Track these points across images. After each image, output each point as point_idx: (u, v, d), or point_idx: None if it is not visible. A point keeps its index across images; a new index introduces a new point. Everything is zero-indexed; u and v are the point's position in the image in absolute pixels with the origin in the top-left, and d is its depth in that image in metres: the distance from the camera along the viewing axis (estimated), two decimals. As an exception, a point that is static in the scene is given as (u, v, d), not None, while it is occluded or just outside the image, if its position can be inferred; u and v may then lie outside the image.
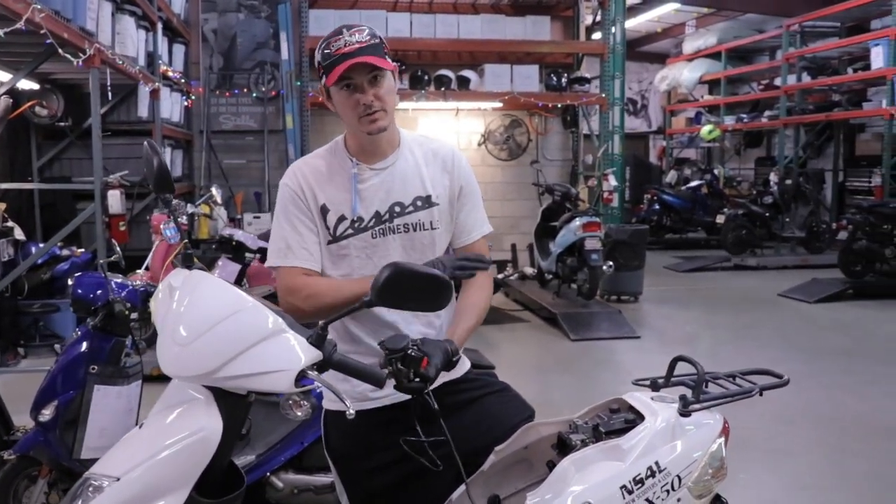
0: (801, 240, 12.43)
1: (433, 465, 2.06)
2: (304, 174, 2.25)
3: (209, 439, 1.70)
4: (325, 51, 2.14)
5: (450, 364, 2.01)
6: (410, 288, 1.73)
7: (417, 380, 1.90)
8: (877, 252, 9.61)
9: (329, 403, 2.31)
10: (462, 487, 2.15)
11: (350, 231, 2.22)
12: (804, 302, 9.21)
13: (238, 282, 6.18)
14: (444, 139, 2.45)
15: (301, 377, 1.70)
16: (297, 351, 1.72)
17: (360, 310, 1.77)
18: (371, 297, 1.72)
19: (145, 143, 2.15)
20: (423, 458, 2.04)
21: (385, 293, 1.71)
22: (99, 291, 3.44)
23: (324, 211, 2.23)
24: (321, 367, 1.76)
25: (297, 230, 2.22)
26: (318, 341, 1.74)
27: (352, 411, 1.71)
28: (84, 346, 3.40)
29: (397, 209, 2.25)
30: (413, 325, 2.24)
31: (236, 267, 6.17)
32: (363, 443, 2.24)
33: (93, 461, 1.87)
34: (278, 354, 1.71)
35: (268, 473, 3.51)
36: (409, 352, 1.88)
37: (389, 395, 2.17)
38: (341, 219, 2.22)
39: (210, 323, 1.72)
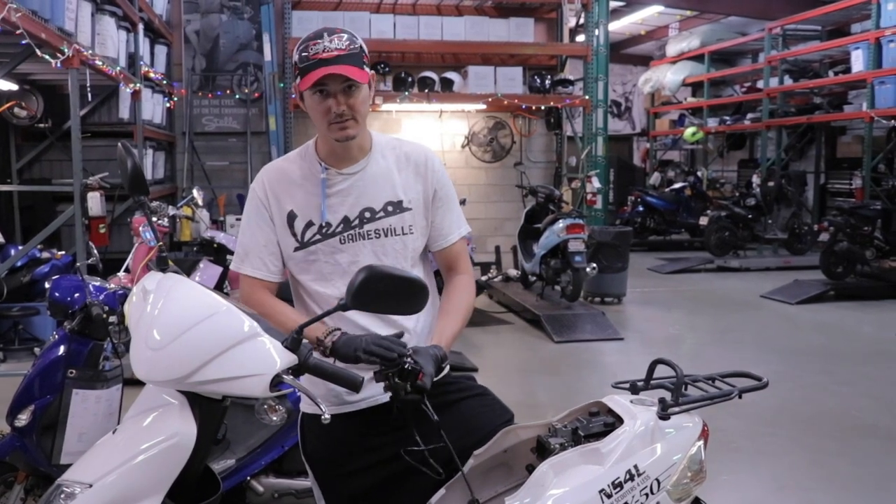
0: (784, 241, 12.50)
1: (435, 475, 2.02)
2: (271, 181, 2.24)
3: (183, 445, 1.68)
4: (303, 53, 2.10)
5: (439, 371, 2.02)
6: (385, 291, 1.72)
7: (412, 391, 1.88)
8: (858, 253, 9.68)
9: (306, 407, 2.30)
10: (441, 491, 2.14)
11: (318, 237, 2.21)
12: (786, 303, 9.26)
13: (219, 284, 6.14)
14: (418, 141, 2.42)
15: (276, 381, 1.69)
16: (273, 355, 1.71)
17: (334, 312, 1.75)
18: (346, 300, 1.71)
19: (119, 144, 2.12)
20: (426, 468, 1.99)
21: (360, 296, 1.69)
22: (76, 294, 3.39)
23: (291, 217, 2.21)
24: (297, 371, 1.74)
25: (256, 238, 2.24)
26: (293, 345, 1.73)
27: (327, 416, 1.70)
28: (61, 349, 3.36)
29: (367, 215, 2.23)
30: (387, 329, 2.17)
31: (217, 269, 6.13)
32: (340, 447, 2.23)
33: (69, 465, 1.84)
34: (253, 358, 1.69)
35: (248, 478, 3.48)
36: (406, 366, 1.87)
37: (366, 398, 2.18)
38: (309, 224, 2.20)
39: (184, 327, 1.70)
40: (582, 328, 7.90)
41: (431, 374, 1.92)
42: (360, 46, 2.13)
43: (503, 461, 2.14)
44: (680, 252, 13.78)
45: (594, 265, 8.24)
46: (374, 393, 2.17)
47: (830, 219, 10.15)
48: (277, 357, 1.71)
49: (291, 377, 1.71)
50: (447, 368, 2.30)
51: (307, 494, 3.50)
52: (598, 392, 6.35)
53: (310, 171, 2.24)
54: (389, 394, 1.93)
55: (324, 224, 2.20)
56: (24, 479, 3.47)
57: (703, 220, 12.31)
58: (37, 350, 6.09)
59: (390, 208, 2.24)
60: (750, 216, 12.26)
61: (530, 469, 2.13)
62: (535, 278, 8.97)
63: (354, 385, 1.76)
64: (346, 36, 2.11)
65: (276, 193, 2.21)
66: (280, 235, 2.23)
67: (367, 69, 2.14)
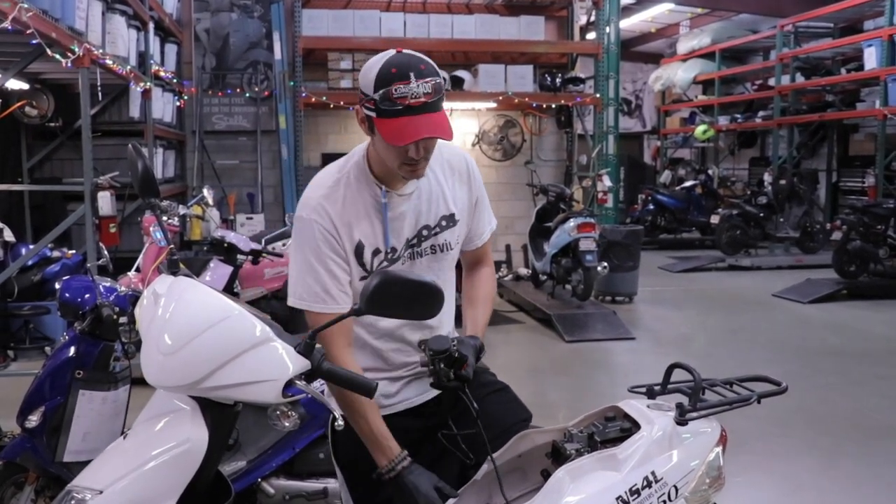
0: (796, 240, 12.42)
1: (466, 458, 2.11)
2: (336, 211, 2.07)
3: (195, 451, 1.66)
4: (384, 89, 1.91)
5: (477, 360, 2.10)
6: (400, 296, 1.69)
7: (455, 379, 2.00)
8: (870, 252, 9.60)
9: (337, 408, 2.24)
10: (456, 497, 2.11)
11: (385, 263, 2.14)
12: (798, 302, 9.19)
13: (230, 284, 6.12)
14: (450, 143, 2.29)
15: (289, 387, 1.66)
16: (285, 360, 1.68)
17: (348, 317, 1.73)
18: (360, 305, 1.68)
19: (129, 146, 2.09)
20: (458, 451, 2.08)
21: (374, 301, 1.67)
22: (87, 296, 3.38)
23: (360, 248, 2.10)
24: (309, 376, 1.72)
25: (333, 273, 2.07)
26: (306, 350, 1.70)
27: (340, 422, 1.68)
28: (71, 351, 3.35)
29: (425, 232, 2.19)
30: (415, 330, 2.20)
31: (228, 269, 6.10)
32: None
33: (76, 464, 1.83)
34: (265, 364, 1.67)
35: (259, 479, 3.46)
36: (453, 353, 1.96)
37: (402, 401, 2.21)
38: (376, 252, 2.12)
39: (195, 331, 1.68)
40: (593, 327, 7.87)
41: (473, 364, 2.03)
42: (443, 82, 2.01)
43: (518, 466, 2.12)
44: (691, 251, 13.72)
45: (605, 264, 8.19)
46: (409, 396, 2.24)
47: (843, 217, 10.07)
48: (290, 362, 1.68)
49: (304, 382, 1.69)
50: (483, 357, 2.29)
51: (319, 497, 3.48)
52: (610, 392, 6.37)
53: (369, 196, 2.11)
54: (424, 394, 2.06)
55: (388, 250, 2.13)
56: (34, 480, 3.46)
57: (715, 219, 12.25)
58: (47, 349, 6.10)
59: (444, 223, 2.21)
60: (761, 214, 12.18)
61: (545, 474, 2.10)
62: (545, 277, 8.93)
63: (368, 390, 1.74)
64: (431, 80, 1.94)
65: (343, 223, 2.07)
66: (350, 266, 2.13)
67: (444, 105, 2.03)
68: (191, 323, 1.70)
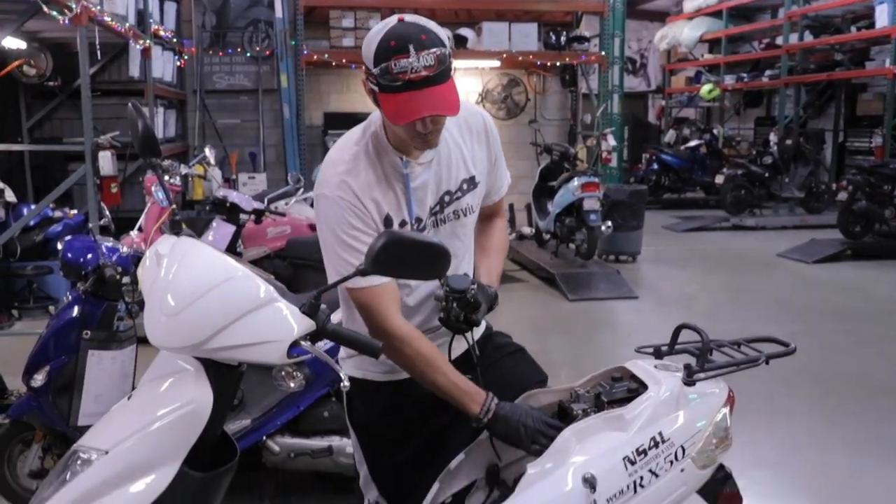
0: (800, 200, 12.36)
1: None
2: (360, 186, 1.98)
3: (199, 412, 1.65)
4: (383, 63, 1.83)
5: (490, 309, 2.09)
6: (407, 256, 1.66)
7: (463, 323, 2.00)
8: (876, 213, 9.55)
9: (353, 371, 2.22)
10: (461, 456, 2.12)
11: None
12: (802, 262, 9.17)
13: (233, 243, 6.09)
14: (466, 102, 2.18)
15: (294, 348, 1.65)
16: (290, 321, 1.66)
17: (353, 277, 1.71)
18: (365, 265, 1.66)
19: (129, 105, 2.05)
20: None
21: (380, 261, 1.64)
22: (89, 256, 3.37)
23: (388, 221, 2.03)
24: (315, 337, 1.70)
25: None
26: (311, 311, 1.68)
27: (346, 383, 1.67)
28: (75, 310, 3.35)
29: (447, 198, 2.14)
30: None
31: (231, 228, 6.06)
32: (389, 413, 2.20)
33: (88, 428, 1.82)
34: (270, 324, 1.65)
35: (264, 438, 3.48)
36: (469, 296, 1.96)
37: None
38: (402, 224, 2.06)
39: (199, 292, 1.66)
40: (596, 286, 7.88)
41: (485, 311, 2.04)
42: (448, 52, 1.90)
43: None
44: (695, 210, 13.66)
45: (609, 223, 8.17)
46: None
47: (849, 178, 10.00)
48: (295, 323, 1.66)
49: (309, 343, 1.67)
50: (484, 323, 2.28)
51: (323, 454, 3.50)
52: (613, 351, 6.38)
53: (390, 167, 2.03)
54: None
55: (414, 221, 2.08)
56: (41, 438, 3.49)
57: (719, 179, 12.19)
58: (51, 309, 6.10)
59: (465, 186, 2.16)
60: (766, 175, 12.11)
61: (551, 434, 2.10)
62: (549, 236, 8.93)
63: (374, 351, 1.72)
64: (434, 51, 1.83)
65: (369, 198, 2.00)
66: None
67: (452, 74, 1.93)
68: (194, 284, 1.68)
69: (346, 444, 3.47)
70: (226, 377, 1.72)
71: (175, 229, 1.94)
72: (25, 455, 3.50)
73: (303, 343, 1.66)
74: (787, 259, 9.40)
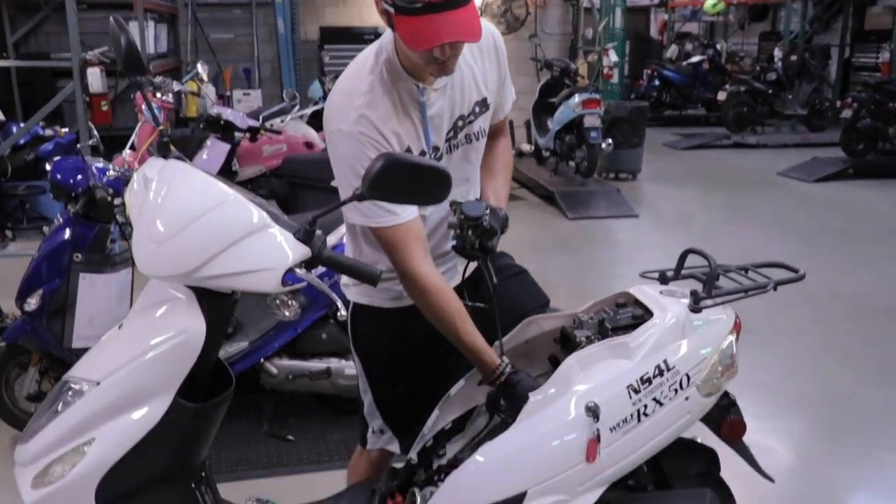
0: (803, 118, 12.17)
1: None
2: (378, 119, 1.85)
3: (192, 342, 1.60)
4: None
5: (502, 233, 2.02)
6: (406, 180, 1.58)
7: (479, 250, 1.94)
8: (881, 131, 9.41)
9: (357, 297, 2.17)
10: (461, 383, 2.09)
11: None
12: (803, 181, 9.09)
13: (228, 162, 5.99)
14: None
15: (288, 275, 1.59)
16: (284, 248, 1.60)
17: (349, 202, 1.63)
18: (362, 189, 1.58)
19: (111, 19, 1.94)
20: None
21: (378, 185, 1.56)
22: (79, 177, 3.28)
23: (408, 154, 1.92)
24: (310, 264, 1.64)
25: None
26: (306, 237, 1.62)
27: (343, 313, 1.61)
28: (67, 233, 3.28)
29: (460, 123, 2.03)
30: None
31: (225, 147, 5.95)
32: (395, 340, 2.16)
33: (84, 350, 1.77)
34: (264, 252, 1.59)
35: (261, 360, 3.47)
36: (484, 223, 1.89)
37: None
38: (421, 154, 1.96)
39: (189, 218, 1.59)
40: (596, 205, 7.84)
41: (499, 237, 1.97)
42: None
43: (524, 352, 2.07)
44: (696, 127, 13.48)
45: (609, 141, 8.05)
46: None
47: (854, 94, 9.81)
48: (289, 250, 1.60)
49: (304, 271, 1.61)
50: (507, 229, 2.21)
51: (322, 376, 3.50)
52: (612, 271, 6.35)
53: (406, 95, 1.91)
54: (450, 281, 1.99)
55: (431, 150, 1.98)
56: (38, 361, 3.47)
57: (721, 95, 11.97)
58: (45, 229, 6.04)
59: (478, 109, 2.06)
60: (770, 91, 11.88)
61: (553, 360, 2.07)
62: (548, 154, 8.84)
63: (372, 278, 1.66)
64: None
65: (390, 131, 1.87)
66: None
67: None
68: (183, 209, 1.61)
69: (345, 366, 3.46)
70: (219, 306, 1.67)
71: (163, 151, 1.86)
72: (22, 378, 3.49)
73: (297, 270, 1.60)
74: (787, 178, 9.31)
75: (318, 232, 1.65)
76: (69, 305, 3.23)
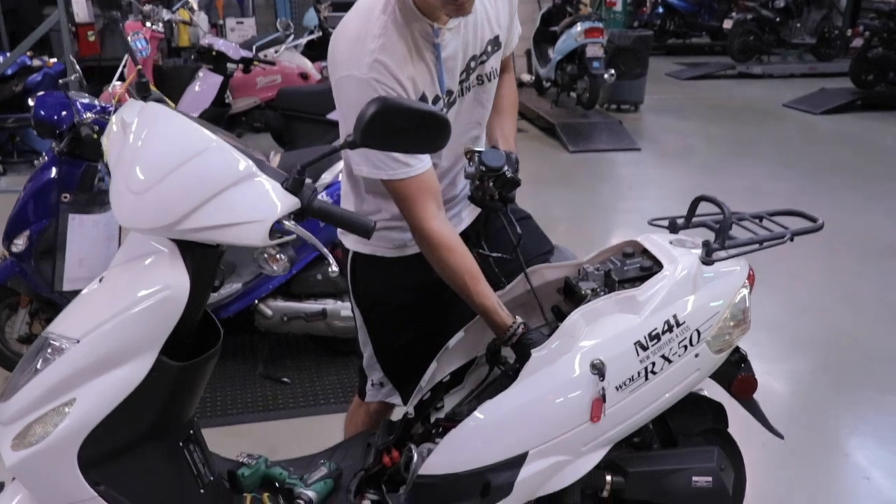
0: (811, 47, 11.88)
1: (497, 283, 1.97)
2: (394, 64, 1.72)
3: (175, 297, 1.51)
4: None
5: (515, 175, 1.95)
6: (402, 127, 1.47)
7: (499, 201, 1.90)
8: (893, 60, 9.16)
9: (357, 246, 2.07)
10: (460, 334, 2.01)
11: (445, 109, 1.87)
12: (809, 113, 8.90)
13: (220, 94, 5.84)
14: None
15: (277, 227, 1.49)
16: (272, 198, 1.50)
17: (340, 150, 1.51)
18: (354, 136, 1.47)
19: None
20: (489, 275, 1.90)
21: (371, 132, 1.45)
22: (63, 113, 3.15)
23: (423, 100, 1.79)
24: (299, 215, 1.54)
25: None
26: (294, 187, 1.51)
27: (335, 268, 1.52)
28: (53, 171, 3.17)
29: (472, 64, 1.91)
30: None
31: (218, 79, 5.79)
32: (398, 292, 2.07)
33: (75, 293, 1.69)
34: (250, 203, 1.49)
35: (256, 301, 3.41)
36: (506, 173, 1.84)
37: None
38: (436, 100, 1.84)
39: (169, 167, 1.48)
40: (598, 137, 7.71)
41: (518, 186, 1.91)
42: None
43: (526, 302, 1.98)
44: (700, 57, 13.17)
45: (612, 71, 7.87)
46: None
47: (866, 22, 9.54)
48: (277, 200, 1.50)
49: (293, 223, 1.51)
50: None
51: (317, 317, 3.44)
52: (614, 206, 6.23)
53: (420, 37, 1.77)
54: (458, 226, 1.96)
55: (445, 94, 1.85)
56: (27, 303, 3.40)
57: (727, 23, 11.66)
58: (37, 163, 5.91)
59: (490, 48, 1.93)
60: (777, 19, 11.57)
61: (556, 311, 1.98)
62: (549, 84, 8.66)
63: (366, 231, 1.56)
64: None
65: (406, 77, 1.75)
66: None
67: None
68: (164, 157, 1.50)
69: (341, 308, 3.40)
70: (203, 258, 1.57)
71: (142, 93, 1.73)
72: (13, 320, 3.42)
73: (286, 223, 1.50)
74: (793, 109, 9.12)
75: (308, 181, 1.54)
76: (58, 247, 3.14)
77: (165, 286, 1.51)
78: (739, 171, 6.64)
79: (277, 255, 1.57)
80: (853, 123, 8.51)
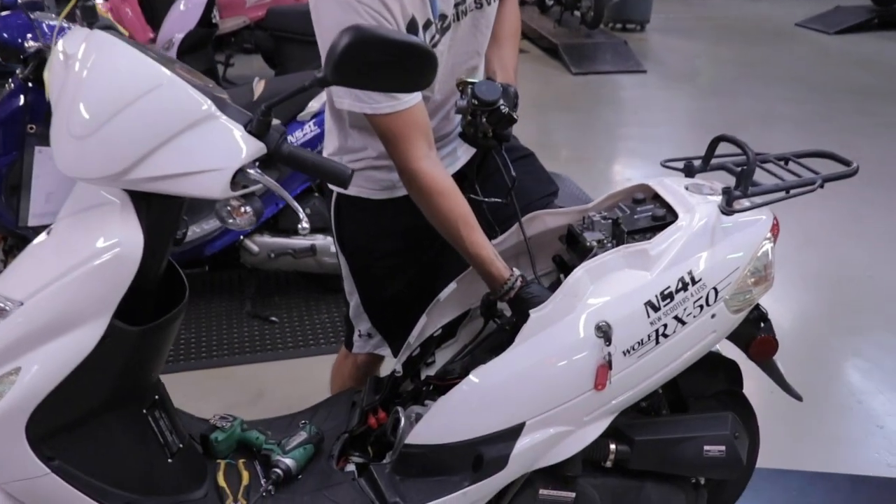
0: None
1: (491, 230, 1.81)
2: None
3: (128, 255, 1.34)
4: None
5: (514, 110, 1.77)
6: (380, 62, 1.27)
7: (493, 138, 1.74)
8: (913, -25, 8.80)
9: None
10: (452, 286, 1.84)
11: (438, 36, 1.67)
12: (823, 33, 8.59)
13: (207, 13, 5.54)
14: None
15: (239, 176, 1.31)
16: (236, 142, 1.31)
17: (309, 88, 1.31)
18: (325, 72, 1.26)
19: None
20: (482, 221, 1.72)
21: (344, 67, 1.25)
22: (28, 35, 2.92)
23: (413, 25, 1.59)
24: (266, 162, 1.35)
25: None
26: (259, 129, 1.32)
27: (305, 224, 1.34)
28: (20, 100, 2.96)
29: None
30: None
31: (204, -5, 5.50)
32: (387, 237, 1.91)
33: (43, 228, 1.52)
34: (209, 148, 1.30)
35: (241, 237, 3.25)
36: (501, 109, 1.67)
37: None
38: (427, 25, 1.63)
39: (116, 106, 1.29)
40: (602, 59, 7.46)
41: (514, 123, 1.74)
42: None
43: (525, 250, 1.80)
44: (709, -28, 12.72)
45: (618, -11, 7.56)
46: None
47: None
48: (242, 144, 1.31)
49: (258, 172, 1.32)
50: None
51: (307, 254, 3.29)
52: (618, 131, 6.01)
53: None
54: (451, 165, 1.83)
55: (437, 19, 1.64)
56: (2, 239, 3.23)
57: (739, -64, 11.18)
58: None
59: None
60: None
61: (557, 260, 1.81)
62: (552, 2, 8.38)
63: (343, 179, 1.37)
64: None
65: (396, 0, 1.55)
66: None
67: None
68: (110, 94, 1.31)
69: (330, 243, 3.23)
70: (161, 210, 1.39)
71: (89, 19, 1.52)
72: (-13, 257, 3.26)
73: (250, 171, 1.31)
74: (806, 29, 8.80)
75: (276, 122, 1.35)
76: (24, 181, 2.95)
77: (115, 244, 1.33)
78: (750, 95, 6.38)
79: (242, 208, 1.41)
80: (869, 44, 8.20)
